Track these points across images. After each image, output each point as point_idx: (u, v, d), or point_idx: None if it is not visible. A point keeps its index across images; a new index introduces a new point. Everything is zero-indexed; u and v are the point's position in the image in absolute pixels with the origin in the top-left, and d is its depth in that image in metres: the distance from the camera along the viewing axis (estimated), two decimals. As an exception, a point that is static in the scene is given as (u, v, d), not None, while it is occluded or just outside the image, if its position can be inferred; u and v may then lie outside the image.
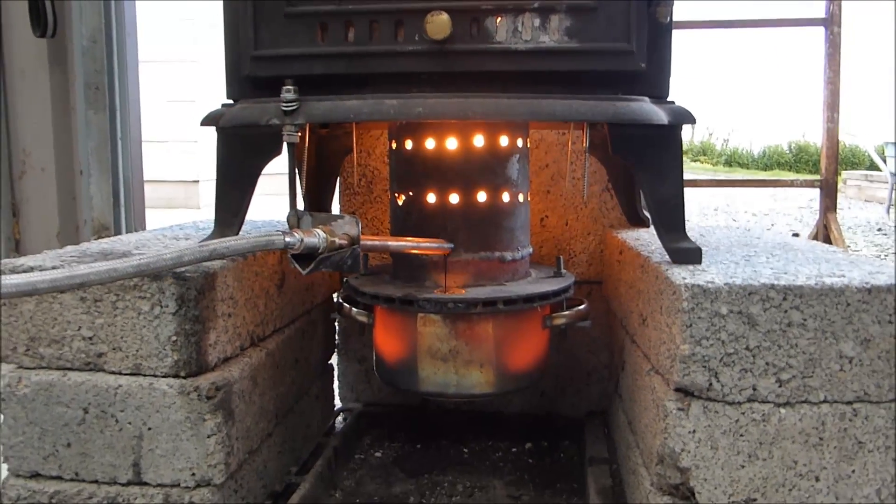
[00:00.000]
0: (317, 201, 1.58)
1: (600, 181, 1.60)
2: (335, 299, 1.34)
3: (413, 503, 1.33)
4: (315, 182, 1.53)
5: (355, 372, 1.72)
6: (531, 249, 1.33)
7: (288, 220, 0.99)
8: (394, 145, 1.27)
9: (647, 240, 1.34)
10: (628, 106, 0.99)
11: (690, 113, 1.08)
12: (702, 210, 7.71)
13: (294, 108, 0.98)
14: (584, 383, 1.65)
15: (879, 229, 6.78)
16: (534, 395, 1.67)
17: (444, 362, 1.22)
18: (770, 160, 15.84)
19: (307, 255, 0.93)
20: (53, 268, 1.01)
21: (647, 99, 1.04)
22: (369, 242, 1.03)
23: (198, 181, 8.59)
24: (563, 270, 1.35)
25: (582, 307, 1.30)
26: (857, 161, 13.76)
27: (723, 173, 14.25)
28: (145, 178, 2.67)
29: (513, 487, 1.40)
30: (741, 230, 1.55)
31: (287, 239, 0.88)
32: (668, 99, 1.10)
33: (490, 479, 1.43)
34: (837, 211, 3.57)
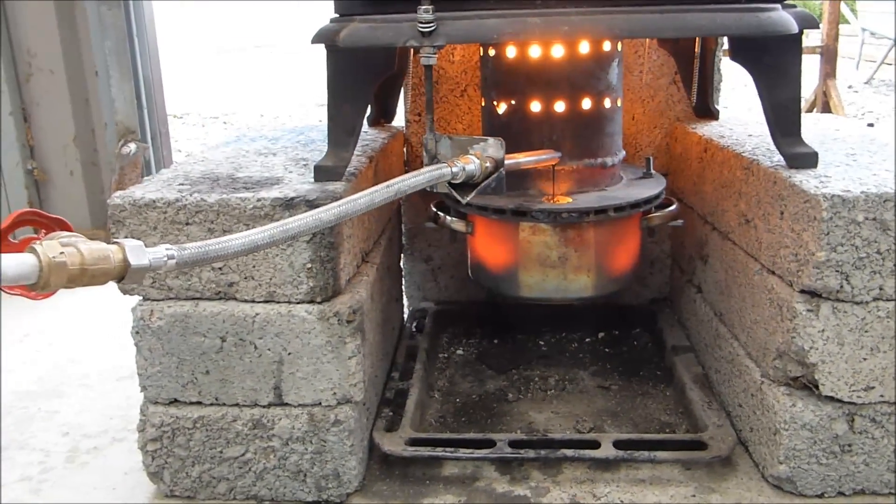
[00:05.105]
0: (383, 101, 1.56)
1: (667, 74, 1.59)
2: (431, 209, 1.35)
3: (512, 399, 1.40)
4: (383, 81, 1.49)
5: (421, 271, 1.74)
6: (624, 153, 1.34)
7: (425, 144, 0.98)
8: (491, 52, 1.24)
9: (733, 137, 1.35)
10: (769, 17, 0.98)
11: (814, 17, 1.07)
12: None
13: (432, 28, 0.94)
14: (647, 272, 1.71)
15: (850, 86, 6.85)
16: (597, 286, 1.72)
17: (553, 269, 1.25)
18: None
19: (464, 183, 0.93)
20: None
21: (778, 7, 1.02)
22: (506, 163, 1.03)
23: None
24: (652, 171, 1.37)
25: (673, 207, 1.33)
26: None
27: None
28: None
29: (599, 377, 1.47)
30: (810, 118, 1.56)
31: (453, 169, 0.88)
32: (787, 1, 1.09)
33: (575, 370, 1.50)
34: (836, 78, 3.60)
